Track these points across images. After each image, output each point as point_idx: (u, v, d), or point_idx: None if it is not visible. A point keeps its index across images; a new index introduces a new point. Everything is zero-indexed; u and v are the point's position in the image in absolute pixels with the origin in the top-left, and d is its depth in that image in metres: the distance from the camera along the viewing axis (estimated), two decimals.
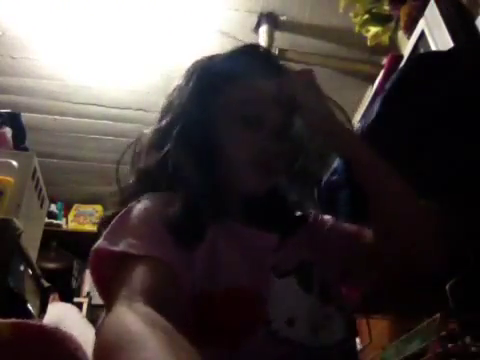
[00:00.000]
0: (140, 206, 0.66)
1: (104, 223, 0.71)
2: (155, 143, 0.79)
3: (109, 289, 0.56)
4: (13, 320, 0.66)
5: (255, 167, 0.74)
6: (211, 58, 0.83)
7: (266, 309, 0.64)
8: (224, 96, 0.77)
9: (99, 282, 0.62)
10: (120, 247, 0.59)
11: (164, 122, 0.80)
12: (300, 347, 0.64)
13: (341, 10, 1.94)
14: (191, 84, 0.79)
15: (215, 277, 0.64)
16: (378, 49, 2.07)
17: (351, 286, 0.88)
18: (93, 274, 0.63)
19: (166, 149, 0.74)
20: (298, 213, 0.83)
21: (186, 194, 0.68)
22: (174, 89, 0.83)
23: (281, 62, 0.84)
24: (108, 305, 0.53)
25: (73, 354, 0.63)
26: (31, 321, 0.68)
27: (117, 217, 0.66)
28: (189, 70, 0.84)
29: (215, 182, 0.74)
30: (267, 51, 0.84)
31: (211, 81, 0.78)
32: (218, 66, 0.80)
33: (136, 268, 0.56)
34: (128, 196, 0.74)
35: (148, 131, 0.83)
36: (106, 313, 0.53)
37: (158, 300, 0.50)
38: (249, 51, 0.83)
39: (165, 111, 0.82)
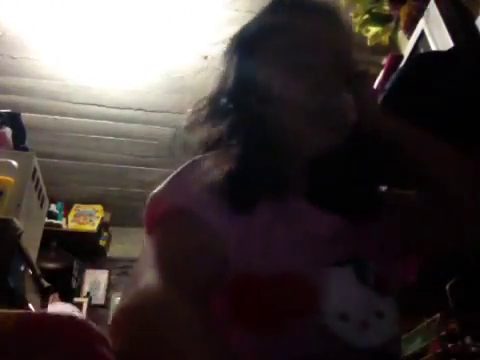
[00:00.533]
0: (206, 163, 0.64)
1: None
2: (209, 113, 0.74)
3: (158, 236, 0.58)
4: (18, 311, 0.64)
5: (318, 116, 0.67)
6: (245, 25, 0.81)
7: (319, 300, 0.60)
8: (267, 49, 0.72)
9: (148, 224, 0.62)
10: (177, 199, 0.60)
11: (217, 93, 0.76)
12: (347, 347, 0.60)
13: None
14: (234, 50, 0.77)
15: (266, 259, 0.60)
16: (378, 49, 2.06)
17: (409, 260, 0.81)
18: (146, 217, 0.63)
19: (226, 117, 0.71)
20: (368, 193, 0.74)
21: (242, 154, 0.65)
22: (222, 59, 0.79)
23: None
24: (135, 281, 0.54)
25: (87, 344, 0.60)
26: (38, 311, 0.65)
27: (181, 169, 0.65)
28: (228, 45, 0.80)
29: (276, 143, 0.67)
30: None
31: (256, 37, 0.75)
32: (259, 21, 0.78)
33: (187, 231, 0.57)
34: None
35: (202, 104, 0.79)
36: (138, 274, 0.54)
37: (183, 280, 0.51)
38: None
39: (217, 83, 0.78)
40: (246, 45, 0.76)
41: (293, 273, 0.60)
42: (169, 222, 0.59)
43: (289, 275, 0.60)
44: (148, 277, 0.51)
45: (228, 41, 0.80)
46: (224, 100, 0.73)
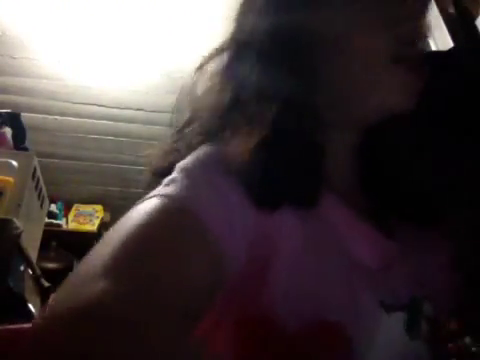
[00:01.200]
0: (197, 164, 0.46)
1: (159, 173, 0.52)
2: (230, 70, 0.54)
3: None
4: None
5: (399, 66, 0.49)
6: None
7: (366, 348, 0.44)
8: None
9: None
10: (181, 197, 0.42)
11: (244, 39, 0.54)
12: None
13: None
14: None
15: (291, 303, 0.43)
16: None
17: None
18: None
19: (250, 70, 0.50)
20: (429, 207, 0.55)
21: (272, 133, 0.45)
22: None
23: None
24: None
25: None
26: (11, 326, 0.60)
27: (190, 162, 0.47)
28: None
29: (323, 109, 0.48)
30: None
31: None
32: None
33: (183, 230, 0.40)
34: (186, 144, 0.52)
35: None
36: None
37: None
38: None
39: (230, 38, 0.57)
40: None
41: (328, 325, 0.43)
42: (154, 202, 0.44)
43: (319, 326, 0.43)
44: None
45: None
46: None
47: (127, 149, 3.17)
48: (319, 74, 0.50)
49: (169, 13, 2.21)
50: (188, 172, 0.46)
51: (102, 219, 3.73)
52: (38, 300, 1.94)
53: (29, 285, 1.82)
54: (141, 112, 2.85)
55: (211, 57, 0.60)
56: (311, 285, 0.44)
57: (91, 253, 0.43)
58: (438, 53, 1.20)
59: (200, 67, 0.59)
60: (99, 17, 2.24)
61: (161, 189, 0.46)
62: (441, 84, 0.96)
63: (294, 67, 0.50)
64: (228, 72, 0.54)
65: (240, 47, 0.56)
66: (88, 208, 3.75)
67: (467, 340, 0.90)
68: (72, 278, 0.38)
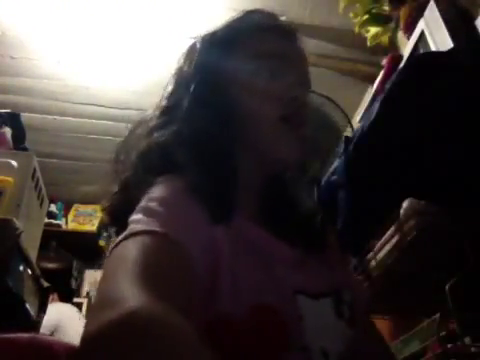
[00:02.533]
0: (162, 188, 0.57)
1: (111, 210, 0.66)
2: (161, 122, 0.70)
3: (118, 261, 0.46)
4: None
5: (286, 122, 0.66)
6: (211, 33, 0.78)
7: (301, 333, 0.56)
8: (237, 56, 0.71)
9: None
10: (137, 227, 0.50)
11: (170, 100, 0.72)
12: None
13: (341, 11, 1.94)
14: (199, 52, 0.74)
15: (236, 294, 0.54)
16: (378, 49, 2.07)
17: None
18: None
19: (178, 121, 0.66)
20: (317, 226, 0.73)
21: (203, 165, 0.60)
22: (174, 72, 0.78)
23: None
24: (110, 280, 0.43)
25: None
26: (11, 336, 0.60)
27: (152, 198, 0.56)
28: (191, 46, 0.78)
29: (236, 155, 0.65)
30: (271, 13, 0.81)
31: (220, 45, 0.73)
32: (223, 30, 0.76)
33: (151, 245, 0.47)
34: (133, 183, 0.64)
35: (148, 113, 0.75)
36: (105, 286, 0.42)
37: (168, 290, 0.43)
38: (256, 12, 0.80)
39: (169, 92, 0.75)
40: (221, 45, 0.73)
41: (266, 305, 0.55)
42: (144, 237, 0.49)
43: (262, 310, 0.55)
44: (124, 289, 0.40)
45: (192, 45, 0.79)
46: (181, 105, 0.69)
47: None
48: (232, 128, 0.67)
49: (169, 13, 2.21)
50: (166, 204, 0.54)
51: (102, 219, 3.74)
52: (37, 300, 1.94)
53: (28, 285, 1.82)
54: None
55: (139, 123, 0.77)
56: (246, 277, 0.56)
57: (103, 285, 0.44)
58: (438, 53, 1.20)
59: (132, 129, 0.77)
60: (99, 17, 2.24)
61: (148, 222, 0.51)
62: (441, 84, 0.96)
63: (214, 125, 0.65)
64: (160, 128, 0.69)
65: (170, 109, 0.71)
66: (88, 208, 3.75)
67: (467, 340, 0.90)
68: (95, 309, 0.40)
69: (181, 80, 0.74)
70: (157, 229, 0.49)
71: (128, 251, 0.46)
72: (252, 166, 0.68)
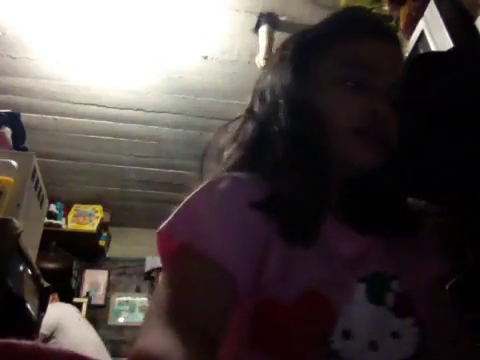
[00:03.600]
0: (219, 187, 0.59)
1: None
2: (256, 134, 0.69)
3: (160, 291, 0.54)
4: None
5: (361, 134, 0.65)
6: (303, 31, 0.76)
7: (346, 315, 0.58)
8: (324, 61, 0.69)
9: (164, 261, 0.60)
10: (183, 236, 0.56)
11: (261, 109, 0.71)
12: None
13: None
14: (287, 58, 0.72)
15: (287, 282, 0.57)
16: None
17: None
18: (159, 252, 0.59)
19: (269, 131, 0.66)
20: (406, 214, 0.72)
21: (298, 170, 0.62)
22: (263, 74, 0.75)
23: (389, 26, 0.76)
24: (151, 313, 0.53)
25: None
26: (14, 342, 0.60)
27: (193, 194, 0.60)
28: (282, 44, 0.76)
29: (324, 162, 0.65)
30: (369, 13, 0.77)
31: (308, 48, 0.71)
32: (315, 32, 0.74)
33: (194, 271, 0.54)
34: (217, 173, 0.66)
35: (236, 123, 0.73)
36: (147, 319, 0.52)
37: (197, 322, 0.50)
38: (349, 12, 0.76)
39: (259, 95, 0.73)
40: (304, 54, 0.72)
41: (312, 294, 0.57)
42: (178, 262, 0.56)
43: (309, 296, 0.57)
44: (156, 330, 0.49)
45: (279, 49, 0.76)
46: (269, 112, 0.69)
47: (127, 149, 3.17)
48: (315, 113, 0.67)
49: (169, 13, 2.21)
50: (214, 210, 0.58)
51: (102, 219, 3.74)
52: (37, 300, 1.94)
53: (28, 285, 1.82)
54: (141, 112, 2.85)
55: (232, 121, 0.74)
56: (298, 270, 0.58)
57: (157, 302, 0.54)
58: (438, 53, 1.20)
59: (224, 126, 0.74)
60: (99, 17, 2.24)
61: (190, 235, 0.56)
62: (441, 84, 0.96)
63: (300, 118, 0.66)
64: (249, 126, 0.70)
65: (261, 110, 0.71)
66: (88, 208, 3.75)
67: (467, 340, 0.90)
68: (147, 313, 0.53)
69: (270, 85, 0.72)
70: (190, 244, 0.55)
71: (163, 291, 0.54)
72: (336, 169, 0.68)
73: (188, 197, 0.59)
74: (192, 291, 0.53)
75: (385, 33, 0.72)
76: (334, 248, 0.62)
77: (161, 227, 0.58)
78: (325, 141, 0.66)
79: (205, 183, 0.61)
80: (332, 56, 0.69)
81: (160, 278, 0.58)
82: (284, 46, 0.75)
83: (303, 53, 0.71)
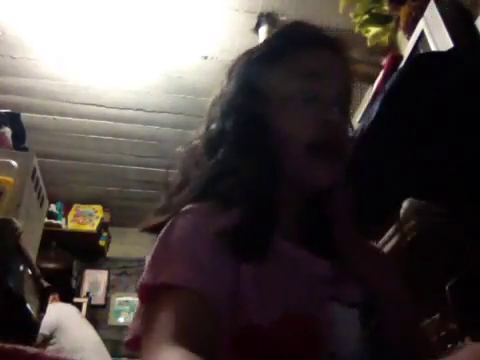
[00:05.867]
0: (183, 223, 0.60)
1: (150, 229, 0.68)
2: (207, 150, 0.69)
3: (150, 323, 0.53)
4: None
5: (314, 150, 0.64)
6: (249, 51, 0.76)
7: (330, 340, 0.58)
8: (271, 77, 0.69)
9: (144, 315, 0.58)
10: (161, 278, 0.55)
11: (213, 126, 0.71)
12: None
13: (341, 11, 1.94)
14: (235, 76, 0.72)
15: (269, 306, 0.57)
16: (378, 49, 2.07)
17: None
18: (142, 308, 0.59)
19: (221, 152, 0.67)
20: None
21: (246, 199, 0.62)
22: (216, 94, 0.76)
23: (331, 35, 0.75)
24: (147, 344, 0.52)
25: None
26: (20, 348, 0.62)
27: (159, 240, 0.61)
28: (229, 68, 0.76)
29: (275, 181, 0.65)
30: (313, 27, 0.75)
31: (257, 64, 0.71)
32: (262, 49, 0.74)
33: (176, 302, 0.53)
34: (176, 205, 0.67)
35: (196, 141, 0.74)
36: (145, 351, 0.52)
37: (196, 342, 0.50)
38: (295, 25, 0.75)
39: (211, 116, 0.74)
40: (251, 71, 0.72)
41: (300, 312, 0.57)
42: (163, 299, 0.55)
43: (296, 315, 0.57)
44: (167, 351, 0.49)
45: (229, 65, 0.76)
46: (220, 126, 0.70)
47: (127, 149, 3.17)
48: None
49: (169, 13, 2.21)
50: (183, 245, 0.59)
51: (102, 219, 3.73)
52: (37, 300, 1.94)
53: (28, 285, 1.82)
54: (141, 112, 2.85)
55: (193, 139, 0.74)
56: (283, 289, 0.59)
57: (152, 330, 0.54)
58: (438, 53, 1.20)
59: (188, 144, 0.75)
60: (99, 17, 2.24)
61: (168, 273, 0.56)
62: (441, 84, 0.96)
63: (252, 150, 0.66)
64: (206, 153, 0.69)
65: (212, 136, 0.70)
66: (88, 208, 3.75)
67: (467, 340, 0.90)
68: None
69: (222, 104, 0.72)
70: (190, 286, 0.55)
71: (154, 316, 0.54)
72: (291, 189, 0.68)
73: (158, 239, 0.61)
74: (184, 320, 0.52)
75: (330, 43, 0.71)
76: (307, 270, 0.63)
77: (142, 278, 0.58)
78: (278, 162, 0.66)
79: (170, 222, 0.61)
80: (280, 71, 0.69)
81: (145, 311, 0.57)
82: (232, 67, 0.75)
83: (251, 71, 0.71)
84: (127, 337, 0.60)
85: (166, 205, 0.69)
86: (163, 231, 0.61)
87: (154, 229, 0.66)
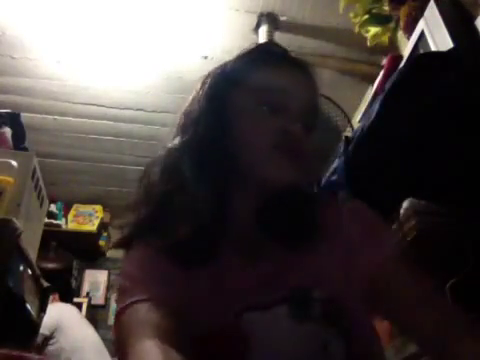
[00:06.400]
0: (134, 255, 0.72)
1: (118, 245, 0.78)
2: (169, 165, 0.74)
3: (126, 331, 0.60)
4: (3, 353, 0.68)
5: (277, 151, 0.69)
6: (223, 64, 0.81)
7: (251, 348, 0.60)
8: (240, 89, 0.74)
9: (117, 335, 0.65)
10: (127, 301, 0.63)
11: (177, 139, 0.78)
12: None
13: (341, 10, 1.94)
14: (204, 89, 0.77)
15: (195, 317, 0.62)
16: (378, 49, 2.07)
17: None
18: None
19: (180, 168, 0.72)
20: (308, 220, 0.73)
21: (195, 209, 0.67)
22: (187, 104, 0.82)
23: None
24: (124, 344, 0.58)
25: None
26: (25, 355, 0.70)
27: (120, 274, 0.73)
28: (202, 80, 0.81)
29: (230, 193, 0.71)
30: (282, 47, 0.82)
31: (225, 78, 0.76)
32: (232, 64, 0.78)
33: (144, 310, 0.60)
34: (140, 228, 0.75)
35: (161, 152, 0.79)
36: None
37: (167, 337, 0.56)
38: (268, 45, 0.82)
39: (179, 128, 0.80)
40: (227, 79, 0.76)
41: (214, 328, 0.61)
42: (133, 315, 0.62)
43: (211, 331, 0.61)
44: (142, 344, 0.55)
45: (200, 84, 0.80)
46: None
47: (127, 149, 3.17)
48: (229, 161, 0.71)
49: (169, 13, 2.21)
50: (138, 273, 0.69)
51: (102, 219, 3.73)
52: (37, 300, 1.94)
53: (28, 285, 1.82)
54: (141, 112, 2.85)
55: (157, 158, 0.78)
56: (200, 306, 0.64)
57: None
58: (438, 53, 1.20)
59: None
60: (99, 17, 2.24)
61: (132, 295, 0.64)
62: (441, 84, 0.96)
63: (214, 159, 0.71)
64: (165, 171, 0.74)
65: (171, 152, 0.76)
66: (88, 208, 3.75)
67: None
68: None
69: (193, 111, 0.78)
70: (138, 298, 0.62)
71: (130, 322, 0.61)
72: (248, 192, 0.72)
73: (119, 277, 0.73)
74: (154, 320, 0.59)
75: (296, 63, 0.77)
76: (228, 282, 0.66)
77: (115, 311, 0.66)
78: (236, 165, 0.70)
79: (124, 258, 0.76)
80: (247, 85, 0.74)
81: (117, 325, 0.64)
82: (203, 81, 0.79)
83: (220, 85, 0.76)
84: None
85: (127, 222, 0.78)
86: (122, 267, 0.74)
87: (119, 245, 0.78)
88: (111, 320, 3.73)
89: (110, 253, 3.98)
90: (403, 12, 1.68)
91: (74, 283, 3.71)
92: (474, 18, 1.24)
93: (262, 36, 2.16)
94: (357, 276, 0.67)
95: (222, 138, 0.71)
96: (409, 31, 1.59)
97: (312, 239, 0.69)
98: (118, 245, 0.78)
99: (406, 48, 1.59)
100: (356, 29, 1.96)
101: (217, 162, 0.70)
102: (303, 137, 0.71)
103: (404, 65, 1.30)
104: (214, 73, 0.79)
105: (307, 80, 0.76)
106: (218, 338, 0.61)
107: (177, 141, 0.76)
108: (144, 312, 0.60)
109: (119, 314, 0.63)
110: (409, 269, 0.69)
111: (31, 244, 2.02)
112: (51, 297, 2.38)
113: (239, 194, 0.72)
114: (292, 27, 2.24)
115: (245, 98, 0.73)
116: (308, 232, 0.70)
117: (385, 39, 1.94)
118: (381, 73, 1.93)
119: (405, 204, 1.00)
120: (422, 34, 1.39)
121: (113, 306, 3.79)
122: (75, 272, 3.74)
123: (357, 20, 1.93)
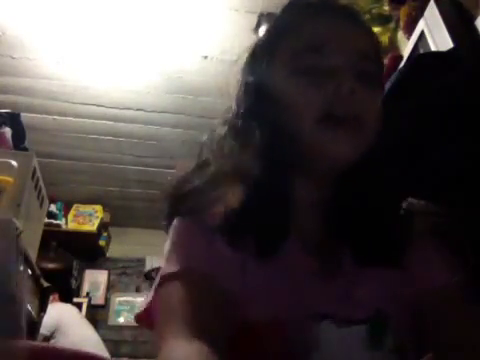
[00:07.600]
0: (192, 228, 0.61)
1: (168, 216, 0.65)
2: (223, 138, 0.67)
3: (166, 313, 0.55)
4: (30, 344, 0.64)
5: (326, 121, 0.58)
6: (253, 43, 0.74)
7: (314, 355, 0.55)
8: (281, 55, 0.64)
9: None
10: (175, 268, 0.56)
11: (233, 114, 0.68)
12: None
13: None
14: (243, 70, 0.70)
15: (261, 305, 0.56)
16: None
17: None
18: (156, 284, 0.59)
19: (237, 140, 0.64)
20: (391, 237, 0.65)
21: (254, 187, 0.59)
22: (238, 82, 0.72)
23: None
24: (164, 336, 0.52)
25: None
26: (49, 345, 0.66)
27: (170, 239, 0.61)
28: (249, 51, 0.72)
29: (290, 177, 0.62)
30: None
31: (263, 50, 0.68)
32: (276, 22, 0.70)
33: (190, 290, 0.54)
34: (196, 196, 0.64)
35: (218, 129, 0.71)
36: (163, 342, 0.51)
37: (204, 332, 0.50)
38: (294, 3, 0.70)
39: (234, 104, 0.70)
40: (261, 52, 0.69)
41: (283, 321, 0.55)
42: (182, 281, 0.56)
43: (279, 323, 0.55)
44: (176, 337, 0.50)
45: (248, 50, 0.73)
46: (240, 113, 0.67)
47: (127, 149, 3.17)
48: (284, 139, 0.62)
49: (169, 13, 2.21)
50: (189, 241, 0.60)
51: (102, 219, 3.74)
52: (37, 300, 1.94)
53: (28, 285, 1.82)
54: (141, 112, 2.85)
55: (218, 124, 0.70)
56: (274, 295, 0.57)
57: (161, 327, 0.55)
58: (438, 53, 1.20)
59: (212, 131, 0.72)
60: (99, 17, 2.24)
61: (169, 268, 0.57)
62: (441, 84, 0.96)
63: (266, 135, 0.62)
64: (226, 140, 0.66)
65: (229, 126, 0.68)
66: (88, 208, 3.75)
67: None
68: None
69: (238, 96, 0.69)
70: (187, 269, 0.56)
71: (168, 302, 0.55)
72: (309, 180, 0.64)
73: (172, 241, 0.61)
74: (203, 309, 0.53)
75: (335, 10, 0.66)
76: (299, 274, 0.60)
77: (162, 272, 0.58)
78: (292, 145, 0.62)
79: (184, 224, 0.62)
80: (281, 56, 0.65)
81: (162, 293, 0.58)
82: (251, 47, 0.73)
83: (256, 61, 0.68)
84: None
85: (189, 176, 0.67)
86: (170, 233, 0.62)
87: (178, 198, 0.65)
88: (111, 320, 3.73)
89: (110, 253, 3.98)
90: (403, 12, 1.68)
91: (74, 283, 3.72)
92: (474, 18, 1.24)
93: None
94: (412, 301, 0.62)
95: (269, 113, 0.63)
96: (409, 31, 1.59)
97: (392, 255, 0.62)
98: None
99: (406, 48, 1.59)
100: None
101: (267, 144, 0.61)
102: (361, 91, 0.59)
103: (404, 65, 1.30)
104: (252, 46, 0.72)
105: (353, 26, 0.64)
106: (278, 330, 0.55)
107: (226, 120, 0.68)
108: (187, 289, 0.54)
109: (162, 282, 0.56)
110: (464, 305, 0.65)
111: (31, 244, 2.02)
112: (51, 297, 2.38)
113: (300, 181, 0.63)
114: None
115: (283, 66, 0.63)
116: (390, 246, 0.62)
117: (385, 39, 1.94)
118: None
119: (405, 204, 1.00)
120: (422, 34, 1.39)
121: (113, 306, 3.79)
122: (75, 272, 3.75)
123: None
